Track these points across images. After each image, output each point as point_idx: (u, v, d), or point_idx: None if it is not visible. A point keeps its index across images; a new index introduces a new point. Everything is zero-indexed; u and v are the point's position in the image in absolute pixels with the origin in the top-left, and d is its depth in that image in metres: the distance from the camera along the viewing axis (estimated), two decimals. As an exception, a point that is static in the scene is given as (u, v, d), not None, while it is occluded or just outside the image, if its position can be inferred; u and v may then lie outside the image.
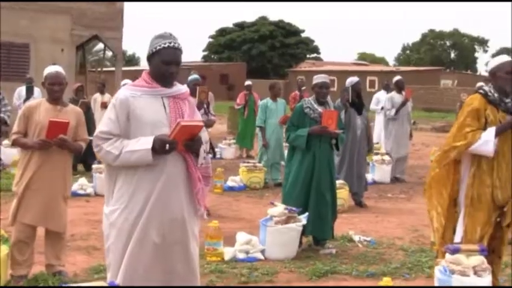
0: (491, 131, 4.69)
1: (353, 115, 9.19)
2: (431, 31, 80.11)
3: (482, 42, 79.92)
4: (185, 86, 4.06)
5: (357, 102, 9.20)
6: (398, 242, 7.19)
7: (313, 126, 6.68)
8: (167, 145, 3.66)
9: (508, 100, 4.83)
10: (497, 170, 4.77)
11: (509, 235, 5.17)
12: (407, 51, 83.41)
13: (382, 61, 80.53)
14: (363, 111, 9.33)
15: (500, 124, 4.73)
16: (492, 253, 4.94)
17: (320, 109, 6.77)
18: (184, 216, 3.82)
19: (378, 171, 11.76)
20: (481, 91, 4.91)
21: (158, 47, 3.82)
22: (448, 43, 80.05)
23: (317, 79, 6.93)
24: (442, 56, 77.90)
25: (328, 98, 7.08)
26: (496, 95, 4.82)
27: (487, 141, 4.68)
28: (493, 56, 79.29)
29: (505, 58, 4.98)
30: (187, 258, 3.87)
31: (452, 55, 79.74)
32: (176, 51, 3.84)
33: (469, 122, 4.78)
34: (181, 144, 3.72)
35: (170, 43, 3.82)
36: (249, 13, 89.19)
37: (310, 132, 6.63)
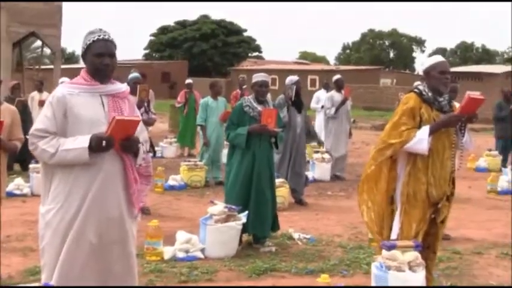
0: (425, 129, 4.79)
1: (293, 113, 9.28)
2: (371, 31, 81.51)
3: (420, 43, 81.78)
4: (125, 84, 4.03)
5: (297, 100, 9.30)
6: (337, 239, 7.29)
7: (253, 125, 6.71)
8: (104, 142, 3.62)
9: (441, 99, 4.95)
10: (431, 167, 4.87)
11: (443, 231, 5.31)
12: (348, 51, 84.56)
13: (323, 60, 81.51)
14: (302, 109, 9.44)
15: (434, 123, 4.84)
16: (427, 249, 5.06)
17: (259, 108, 6.81)
18: (122, 216, 3.79)
19: (318, 169, 11.89)
20: (416, 90, 5.02)
21: (88, 42, 3.82)
22: (387, 43, 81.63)
23: (256, 78, 6.96)
24: (382, 55, 79.33)
25: (268, 97, 7.13)
26: (430, 94, 4.93)
27: (421, 140, 4.78)
28: (430, 55, 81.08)
29: (438, 58, 5.10)
30: (126, 258, 3.83)
31: (391, 54, 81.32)
32: (107, 42, 3.83)
33: (404, 121, 4.87)
34: (117, 143, 3.68)
35: (100, 36, 3.82)
36: (191, 12, 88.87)
37: (250, 131, 6.66)
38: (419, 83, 5.77)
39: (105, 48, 3.81)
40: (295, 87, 9.19)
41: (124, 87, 3.93)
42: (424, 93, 4.94)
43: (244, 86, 14.92)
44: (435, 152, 4.87)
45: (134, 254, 3.92)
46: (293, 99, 9.22)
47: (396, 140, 4.84)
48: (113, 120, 3.62)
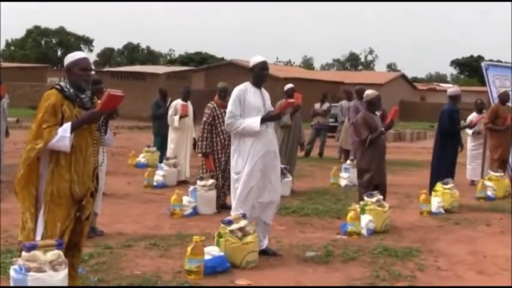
0: (67, 126, 4.75)
1: None
2: (37, 28, 79.35)
3: (88, 42, 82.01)
4: None
5: None
6: (-20, 247, 6.84)
7: None
8: None
9: (83, 96, 4.97)
10: (75, 164, 4.86)
11: (89, 227, 5.33)
12: (12, 48, 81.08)
13: (-16, 58, 76.93)
14: None
15: (76, 119, 4.83)
16: (74, 247, 5.04)
17: None
18: None
19: (-30, 172, 11.10)
20: (57, 86, 4.98)
21: None
22: (54, 41, 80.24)
23: None
24: (49, 53, 77.67)
25: None
26: (72, 90, 4.92)
27: (63, 137, 4.74)
28: (98, 55, 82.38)
29: (79, 55, 5.15)
30: None
31: (59, 53, 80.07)
32: None
33: (46, 118, 4.79)
34: None
35: None
36: None
37: None
38: (57, 80, 5.73)
39: None
40: None
41: None
42: (65, 89, 4.93)
43: None
44: (78, 149, 4.88)
45: None
46: None
47: (38, 140, 4.75)
48: None
